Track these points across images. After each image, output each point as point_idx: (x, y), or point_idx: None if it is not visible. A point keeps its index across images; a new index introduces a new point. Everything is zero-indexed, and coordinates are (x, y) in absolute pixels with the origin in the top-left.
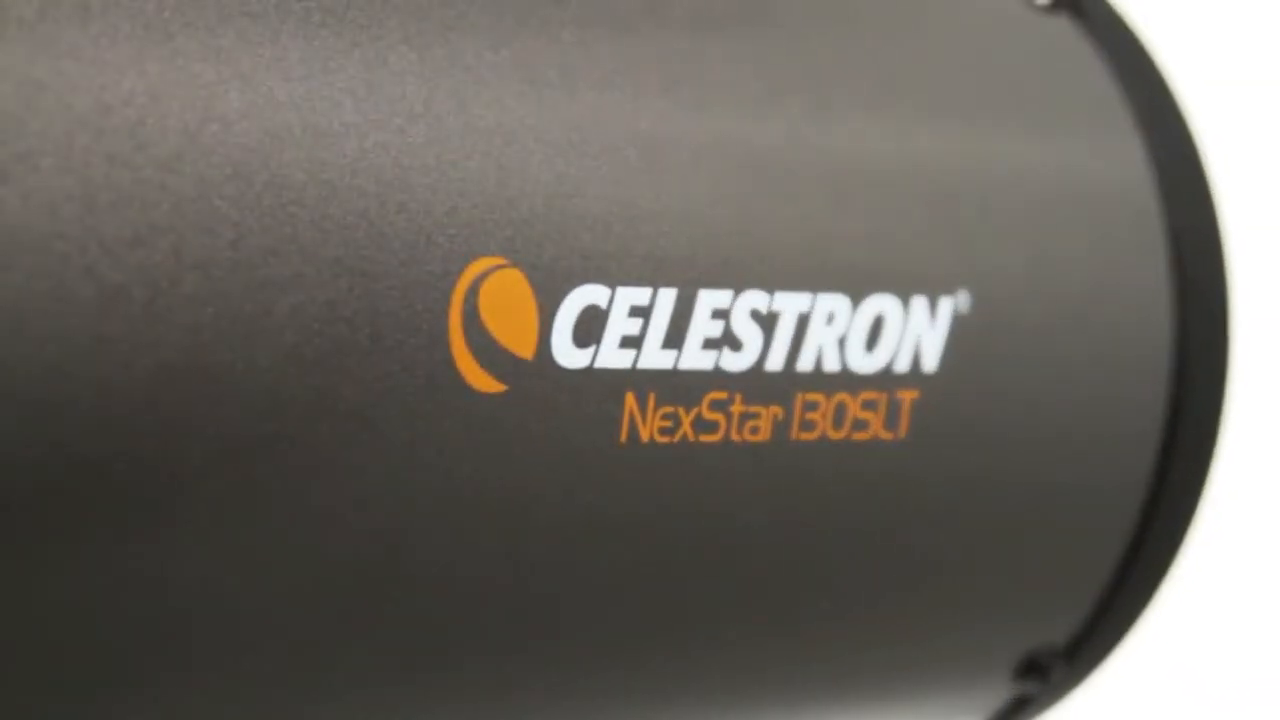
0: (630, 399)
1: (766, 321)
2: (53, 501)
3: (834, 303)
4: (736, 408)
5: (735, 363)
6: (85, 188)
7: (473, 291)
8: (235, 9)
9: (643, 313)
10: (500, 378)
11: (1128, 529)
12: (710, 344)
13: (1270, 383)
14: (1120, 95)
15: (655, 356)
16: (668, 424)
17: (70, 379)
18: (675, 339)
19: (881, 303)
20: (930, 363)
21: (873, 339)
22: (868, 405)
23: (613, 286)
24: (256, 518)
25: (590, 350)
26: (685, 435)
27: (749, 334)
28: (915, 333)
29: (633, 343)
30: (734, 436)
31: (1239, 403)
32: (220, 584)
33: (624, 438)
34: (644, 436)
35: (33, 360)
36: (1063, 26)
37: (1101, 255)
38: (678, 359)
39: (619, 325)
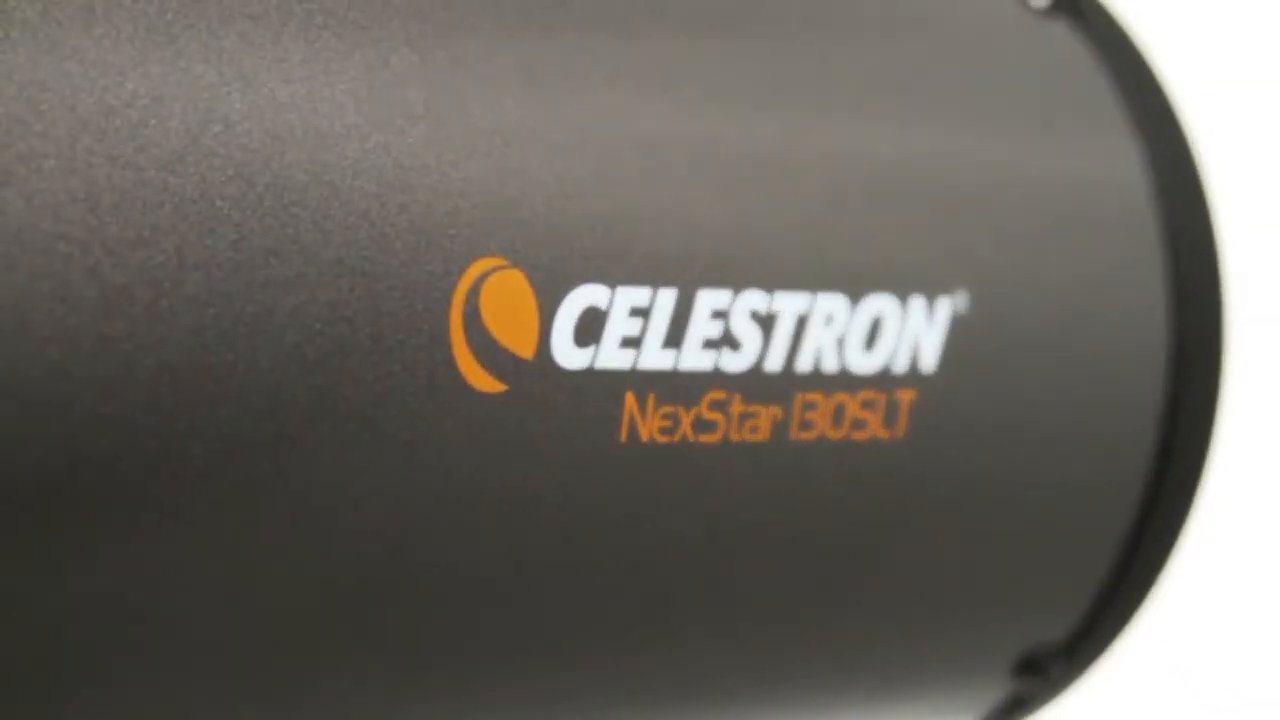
0: (630, 399)
1: (765, 322)
2: (54, 500)
3: (832, 303)
4: (736, 408)
5: (734, 363)
6: (88, 189)
7: (473, 292)
8: (237, 11)
9: (643, 313)
10: (500, 378)
11: (1125, 527)
12: (710, 344)
13: (1267, 382)
14: (1118, 98)
15: (655, 357)
16: (667, 424)
17: (73, 379)
18: (675, 339)
19: (880, 303)
20: (929, 363)
21: (871, 339)
22: (866, 405)
23: (613, 286)
24: (257, 517)
25: (590, 350)
26: (685, 435)
27: (748, 334)
28: (914, 333)
29: (633, 343)
30: (733, 436)
31: (1235, 402)
32: (221, 583)
33: (624, 438)
34: (644, 436)
35: (35, 360)
36: (1061, 30)
37: (1098, 256)
38: (677, 359)
39: (619, 325)
